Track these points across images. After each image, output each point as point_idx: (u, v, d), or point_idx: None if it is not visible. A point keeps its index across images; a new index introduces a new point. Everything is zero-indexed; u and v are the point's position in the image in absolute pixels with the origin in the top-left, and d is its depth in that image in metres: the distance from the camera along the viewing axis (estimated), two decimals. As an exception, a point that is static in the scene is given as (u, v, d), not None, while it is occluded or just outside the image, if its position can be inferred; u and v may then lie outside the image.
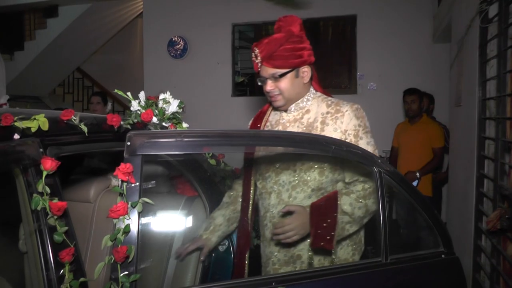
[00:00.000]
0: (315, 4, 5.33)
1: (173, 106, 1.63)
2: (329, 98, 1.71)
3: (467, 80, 2.96)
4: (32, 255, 1.16)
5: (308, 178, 1.61)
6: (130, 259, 1.11)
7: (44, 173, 1.12)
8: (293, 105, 1.68)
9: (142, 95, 1.63)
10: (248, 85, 6.04)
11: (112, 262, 1.10)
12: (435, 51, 5.00)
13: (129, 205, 1.12)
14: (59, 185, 1.22)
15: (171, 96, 1.65)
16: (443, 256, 1.55)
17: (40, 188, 1.11)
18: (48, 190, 1.12)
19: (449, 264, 1.57)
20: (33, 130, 1.21)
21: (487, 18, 2.48)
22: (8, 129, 1.16)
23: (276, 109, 1.77)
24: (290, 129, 1.69)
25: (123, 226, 1.11)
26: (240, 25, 5.83)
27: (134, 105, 1.60)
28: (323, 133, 1.60)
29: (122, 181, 1.13)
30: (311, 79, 1.70)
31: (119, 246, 1.10)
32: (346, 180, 1.65)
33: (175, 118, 1.65)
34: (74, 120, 1.34)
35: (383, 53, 5.20)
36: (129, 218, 1.12)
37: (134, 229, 1.12)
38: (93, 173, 2.03)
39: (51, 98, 8.35)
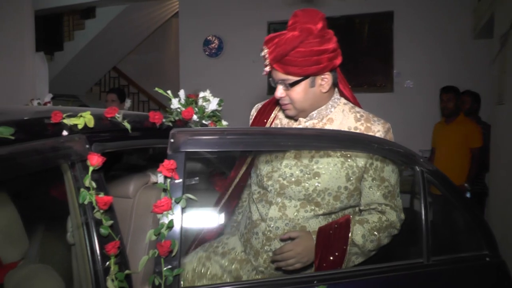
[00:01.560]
0: (351, 1, 5.25)
1: (213, 104, 1.65)
2: (357, 109, 1.48)
3: (511, 76, 2.86)
4: (79, 247, 1.19)
5: (321, 201, 1.42)
6: (173, 254, 1.13)
7: (91, 169, 1.16)
8: (315, 112, 1.46)
9: (182, 93, 1.66)
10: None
11: (156, 256, 1.12)
12: (476, 47, 4.82)
13: (173, 201, 1.14)
14: (104, 180, 1.26)
15: (211, 94, 1.67)
16: (487, 259, 1.50)
17: (87, 183, 1.15)
18: (94, 185, 1.15)
19: (494, 268, 1.52)
20: (79, 127, 1.24)
21: (535, 12, 2.38)
22: (58, 126, 1.20)
23: None
24: None
25: (166, 221, 1.13)
26: (275, 23, 5.80)
27: (174, 103, 1.62)
28: None
29: (166, 177, 1.15)
30: (334, 84, 1.46)
31: (163, 240, 1.12)
32: (361, 207, 1.47)
33: (215, 116, 1.66)
34: (118, 117, 1.38)
35: (421, 50, 5.06)
36: (173, 213, 1.14)
37: (177, 224, 1.14)
38: (132, 169, 2.07)
39: (88, 96, 8.59)
